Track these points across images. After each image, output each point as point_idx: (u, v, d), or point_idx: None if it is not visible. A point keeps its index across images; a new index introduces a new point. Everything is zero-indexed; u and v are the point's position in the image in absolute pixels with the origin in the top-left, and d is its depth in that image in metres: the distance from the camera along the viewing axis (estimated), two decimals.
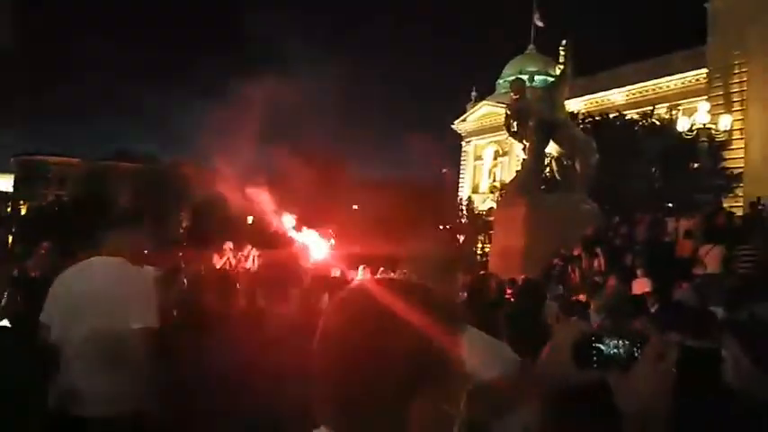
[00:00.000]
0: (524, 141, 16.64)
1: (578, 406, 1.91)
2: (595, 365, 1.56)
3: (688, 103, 31.77)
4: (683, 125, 24.17)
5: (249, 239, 16.92)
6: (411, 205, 34.40)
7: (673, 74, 36.89)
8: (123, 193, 54.57)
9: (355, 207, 41.81)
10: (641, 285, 9.01)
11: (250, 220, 27.52)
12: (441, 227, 35.56)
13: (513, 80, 19.82)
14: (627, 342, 1.56)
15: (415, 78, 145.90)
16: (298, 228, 16.12)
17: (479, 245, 38.80)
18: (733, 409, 2.59)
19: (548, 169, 18.02)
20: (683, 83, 36.30)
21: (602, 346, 1.55)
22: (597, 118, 28.11)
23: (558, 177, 17.14)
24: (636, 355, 1.55)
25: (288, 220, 16.17)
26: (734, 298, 5.65)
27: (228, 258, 14.79)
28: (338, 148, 56.51)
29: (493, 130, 50.04)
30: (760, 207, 14.57)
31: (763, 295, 5.26)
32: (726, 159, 26.91)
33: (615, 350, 1.55)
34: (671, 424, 1.91)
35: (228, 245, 15.21)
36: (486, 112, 54.18)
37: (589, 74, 38.36)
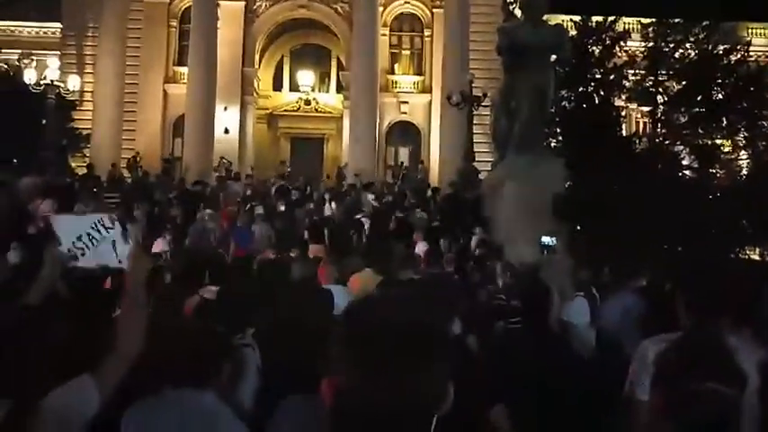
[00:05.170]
0: None
1: None
2: None
3: (42, 56, 30.19)
4: (31, 77, 23.06)
5: None
6: None
7: (27, 21, 34.38)
8: None
9: None
10: None
11: None
12: None
13: None
14: None
15: None
16: None
17: None
18: None
19: None
20: (36, 33, 34.25)
21: None
22: None
23: None
24: None
25: None
26: None
27: None
28: None
29: None
30: None
31: None
32: (74, 120, 26.98)
33: None
34: None
35: None
36: None
37: None
